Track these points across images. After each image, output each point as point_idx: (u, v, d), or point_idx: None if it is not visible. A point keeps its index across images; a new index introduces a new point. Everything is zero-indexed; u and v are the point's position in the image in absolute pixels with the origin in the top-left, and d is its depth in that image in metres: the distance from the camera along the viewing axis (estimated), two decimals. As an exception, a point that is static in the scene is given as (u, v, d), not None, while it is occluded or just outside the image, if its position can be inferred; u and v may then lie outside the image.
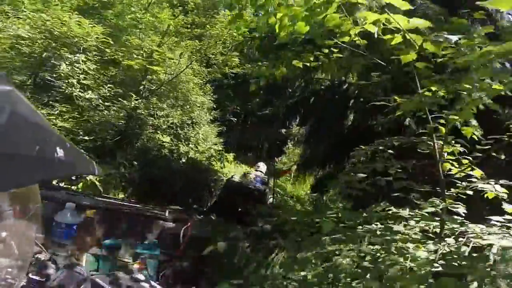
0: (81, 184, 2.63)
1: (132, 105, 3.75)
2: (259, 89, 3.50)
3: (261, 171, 4.32)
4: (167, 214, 1.62)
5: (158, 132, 4.29)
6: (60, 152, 0.42)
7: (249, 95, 4.64)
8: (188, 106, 4.51)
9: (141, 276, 1.21)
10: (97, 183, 2.86)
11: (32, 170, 0.36)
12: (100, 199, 1.64)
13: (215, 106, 5.41)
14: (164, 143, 4.21)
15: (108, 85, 3.52)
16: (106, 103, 3.54)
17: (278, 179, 5.27)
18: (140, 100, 3.91)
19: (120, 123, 3.80)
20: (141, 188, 3.74)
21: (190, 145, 4.51)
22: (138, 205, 1.71)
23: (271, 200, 4.25)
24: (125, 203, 1.68)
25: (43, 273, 1.10)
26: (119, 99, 3.65)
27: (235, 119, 7.06)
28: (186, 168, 4.17)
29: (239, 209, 3.40)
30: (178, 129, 4.52)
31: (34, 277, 1.10)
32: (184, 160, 4.26)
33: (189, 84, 4.36)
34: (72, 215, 1.32)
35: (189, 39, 4.46)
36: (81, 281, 1.06)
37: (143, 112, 4.14)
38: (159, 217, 1.55)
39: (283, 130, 4.11)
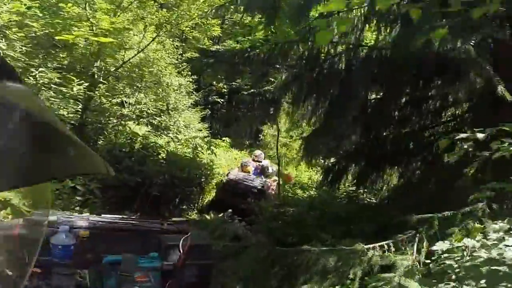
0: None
1: (84, 92, 3.44)
2: (250, 61, 3.38)
3: (259, 161, 4.37)
4: (165, 226, 1.75)
5: (127, 123, 4.08)
6: (72, 151, 0.44)
7: (237, 71, 4.41)
8: (161, 90, 4.32)
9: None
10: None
11: (44, 168, 0.38)
12: (95, 219, 1.74)
13: (195, 88, 5.34)
14: (136, 137, 4.00)
15: (42, 70, 3.15)
16: (47, 93, 3.23)
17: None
18: (94, 86, 3.66)
19: (71, 116, 3.48)
20: (113, 198, 3.46)
21: (170, 135, 4.40)
22: (134, 221, 1.83)
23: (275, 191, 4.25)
24: (121, 220, 1.79)
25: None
26: (64, 86, 3.30)
27: (221, 100, 7.03)
28: (167, 165, 3.90)
29: (241, 207, 3.51)
30: (154, 118, 4.39)
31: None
32: (163, 155, 4.04)
33: (160, 63, 4.11)
34: (67, 237, 1.45)
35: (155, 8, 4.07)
36: None
37: (103, 101, 3.92)
38: (157, 230, 1.69)
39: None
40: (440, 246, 1.40)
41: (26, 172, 0.34)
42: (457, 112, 3.27)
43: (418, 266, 1.80)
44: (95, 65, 3.75)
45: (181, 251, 1.74)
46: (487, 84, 2.29)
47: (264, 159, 4.63)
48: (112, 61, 3.96)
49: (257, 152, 4.75)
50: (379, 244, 2.02)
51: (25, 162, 0.33)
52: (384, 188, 3.89)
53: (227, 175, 4.19)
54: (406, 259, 1.82)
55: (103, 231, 1.69)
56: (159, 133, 4.41)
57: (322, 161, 4.05)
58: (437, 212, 1.94)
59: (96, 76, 3.79)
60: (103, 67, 3.91)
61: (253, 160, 4.48)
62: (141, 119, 4.31)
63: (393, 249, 1.99)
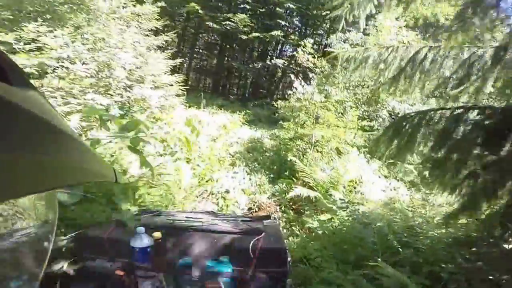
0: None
1: None
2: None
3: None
4: (239, 222, 1.73)
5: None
6: (80, 158, 0.43)
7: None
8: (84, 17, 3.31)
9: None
10: None
11: (52, 176, 0.38)
12: (170, 217, 1.85)
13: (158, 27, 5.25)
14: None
15: None
16: None
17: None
18: None
19: None
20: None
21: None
22: (213, 217, 1.88)
23: None
24: (191, 217, 1.85)
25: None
26: None
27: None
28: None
29: None
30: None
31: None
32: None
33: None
34: (143, 239, 1.53)
35: None
36: None
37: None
38: (230, 231, 1.66)
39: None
40: None
41: (28, 180, 0.33)
42: None
43: None
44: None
45: (252, 256, 1.66)
46: None
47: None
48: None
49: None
50: None
51: (27, 170, 0.33)
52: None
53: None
54: None
55: (176, 231, 1.76)
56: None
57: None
58: None
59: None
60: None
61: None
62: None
63: None
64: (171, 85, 7.25)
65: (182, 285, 1.62)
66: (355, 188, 5.16)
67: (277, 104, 8.29)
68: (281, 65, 18.95)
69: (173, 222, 1.87)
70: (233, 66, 21.12)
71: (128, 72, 5.26)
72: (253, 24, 18.17)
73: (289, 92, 8.04)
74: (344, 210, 3.96)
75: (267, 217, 2.11)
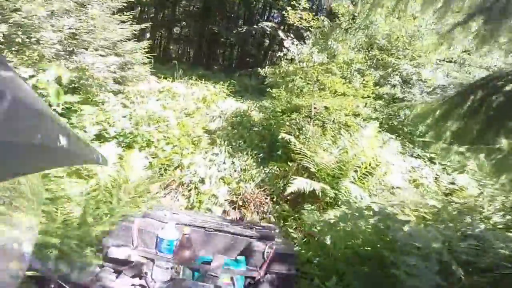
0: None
1: None
2: None
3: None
4: (254, 231, 1.88)
5: None
6: (63, 141, 0.43)
7: None
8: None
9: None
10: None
11: (33, 159, 0.38)
12: (197, 217, 1.94)
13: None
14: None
15: None
16: None
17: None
18: None
19: None
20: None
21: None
22: (228, 223, 2.00)
23: None
24: (215, 221, 1.97)
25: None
26: None
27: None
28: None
29: None
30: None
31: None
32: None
33: None
34: (172, 232, 1.62)
35: None
36: None
37: None
38: (246, 234, 1.81)
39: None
40: None
41: (14, 163, 0.34)
42: None
43: None
44: None
45: (265, 258, 1.84)
46: None
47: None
48: None
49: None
50: None
51: (13, 153, 0.33)
52: None
53: None
54: None
55: (201, 229, 1.88)
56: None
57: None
58: None
59: None
60: None
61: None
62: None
63: None
64: (135, 52, 6.15)
65: (199, 278, 1.77)
66: (371, 174, 4.05)
67: (264, 72, 6.63)
68: (269, 29, 16.44)
69: (197, 221, 1.98)
70: (216, 33, 18.96)
71: (68, 35, 4.52)
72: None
73: (279, 54, 6.21)
74: (369, 218, 2.52)
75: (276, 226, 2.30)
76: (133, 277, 1.70)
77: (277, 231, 2.20)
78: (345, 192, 3.67)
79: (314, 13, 8.32)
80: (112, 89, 5.54)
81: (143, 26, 6.36)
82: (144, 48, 6.34)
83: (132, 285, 1.67)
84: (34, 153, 0.38)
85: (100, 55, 5.11)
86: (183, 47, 24.67)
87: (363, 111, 6.07)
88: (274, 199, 4.31)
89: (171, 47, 22.79)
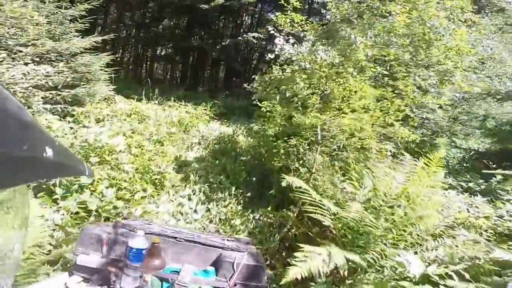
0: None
1: None
2: None
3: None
4: (226, 242, 1.93)
5: None
6: (49, 152, 0.42)
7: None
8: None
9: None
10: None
11: (20, 170, 0.38)
12: (167, 228, 1.98)
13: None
14: None
15: None
16: None
17: None
18: None
19: None
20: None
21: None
22: (200, 233, 2.04)
23: None
24: (187, 232, 2.02)
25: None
26: None
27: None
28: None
29: None
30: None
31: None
32: None
33: None
34: (142, 241, 1.66)
35: None
36: None
37: None
38: (218, 245, 1.87)
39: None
40: None
41: (1, 175, 0.33)
42: None
43: None
44: None
45: (235, 270, 1.89)
46: None
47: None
48: None
49: None
50: None
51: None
52: None
53: None
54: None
55: (172, 239, 1.92)
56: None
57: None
58: None
59: None
60: None
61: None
62: None
63: None
64: (92, 64, 5.21)
65: (167, 287, 1.79)
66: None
67: (251, 87, 5.37)
68: (256, 41, 14.94)
69: (168, 231, 2.02)
70: (201, 51, 17.50)
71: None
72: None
73: (269, 56, 4.73)
74: None
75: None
76: (101, 285, 1.71)
77: (248, 243, 2.26)
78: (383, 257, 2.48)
79: (306, 15, 7.25)
80: (57, 110, 4.75)
81: (106, 37, 5.75)
82: (107, 63, 5.46)
83: None
84: (20, 164, 0.37)
85: (25, 63, 4.23)
86: (166, 67, 23.78)
87: (403, 133, 4.23)
88: (268, 261, 3.11)
89: (155, 67, 22.30)
